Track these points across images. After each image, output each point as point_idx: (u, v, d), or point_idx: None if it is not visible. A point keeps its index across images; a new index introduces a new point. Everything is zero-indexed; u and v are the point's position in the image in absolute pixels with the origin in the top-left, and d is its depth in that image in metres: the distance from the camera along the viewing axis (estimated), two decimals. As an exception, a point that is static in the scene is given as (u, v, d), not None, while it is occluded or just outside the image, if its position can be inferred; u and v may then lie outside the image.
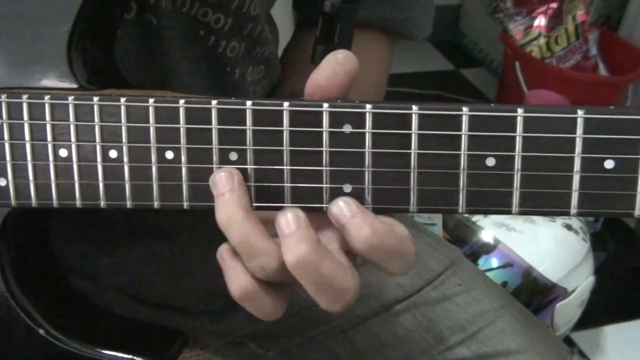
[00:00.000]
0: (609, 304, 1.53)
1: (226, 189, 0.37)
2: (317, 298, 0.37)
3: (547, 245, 1.23)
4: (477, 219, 1.25)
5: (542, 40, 1.94)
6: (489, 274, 1.22)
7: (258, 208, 0.39)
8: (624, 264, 1.65)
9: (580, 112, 0.35)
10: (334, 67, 0.36)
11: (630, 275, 1.63)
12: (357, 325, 0.65)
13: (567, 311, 1.26)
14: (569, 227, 1.26)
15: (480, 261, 1.23)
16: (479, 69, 2.45)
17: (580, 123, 0.35)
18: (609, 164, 0.35)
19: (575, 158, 0.36)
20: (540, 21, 1.95)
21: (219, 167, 0.38)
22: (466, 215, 1.25)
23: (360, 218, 0.36)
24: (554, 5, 1.94)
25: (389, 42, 0.65)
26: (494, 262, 1.22)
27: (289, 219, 0.36)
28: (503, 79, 2.10)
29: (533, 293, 1.22)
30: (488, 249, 1.23)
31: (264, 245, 0.36)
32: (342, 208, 0.36)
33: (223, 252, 0.38)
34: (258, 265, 0.37)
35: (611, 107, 0.35)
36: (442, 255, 0.68)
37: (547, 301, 1.23)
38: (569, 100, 1.78)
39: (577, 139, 0.35)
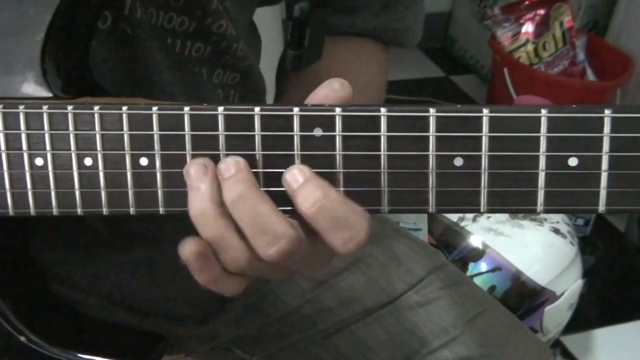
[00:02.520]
0: (599, 307, 1.54)
1: (199, 183, 0.38)
2: (252, 240, 0.38)
3: (535, 249, 1.24)
4: (466, 224, 1.25)
5: (530, 47, 1.96)
6: (477, 278, 1.23)
7: None
8: (614, 267, 1.66)
9: (543, 112, 0.36)
10: (327, 92, 0.38)
11: (619, 279, 1.63)
12: (342, 330, 0.65)
13: (556, 314, 1.26)
14: (556, 231, 1.26)
15: (470, 266, 1.23)
16: (469, 75, 2.47)
17: (543, 122, 0.36)
18: (572, 162, 0.36)
19: (540, 156, 0.36)
20: (528, 28, 1.96)
21: (194, 157, 0.38)
22: (455, 220, 1.26)
23: (313, 183, 0.37)
24: (542, 12, 1.96)
25: (384, 49, 0.67)
26: (483, 266, 1.23)
27: (229, 164, 0.37)
28: (492, 85, 2.11)
29: (522, 297, 1.22)
30: (477, 254, 1.23)
31: (236, 241, 0.38)
32: (295, 174, 0.37)
33: (189, 255, 0.39)
34: (231, 257, 0.38)
35: (574, 105, 0.36)
36: (425, 260, 0.68)
37: (536, 304, 1.23)
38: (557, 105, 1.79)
39: (542, 138, 0.36)
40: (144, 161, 0.40)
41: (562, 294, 1.25)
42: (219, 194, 0.38)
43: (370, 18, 0.62)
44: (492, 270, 1.22)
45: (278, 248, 0.37)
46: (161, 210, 0.41)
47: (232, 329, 0.64)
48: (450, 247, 1.24)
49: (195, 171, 0.38)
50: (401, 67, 2.37)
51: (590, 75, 1.98)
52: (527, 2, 1.97)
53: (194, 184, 0.38)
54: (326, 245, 0.38)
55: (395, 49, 0.67)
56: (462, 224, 1.25)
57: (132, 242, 0.56)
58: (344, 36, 0.61)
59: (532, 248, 1.23)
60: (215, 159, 0.39)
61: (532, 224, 1.25)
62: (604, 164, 0.36)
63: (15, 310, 0.45)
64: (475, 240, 1.24)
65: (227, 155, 0.39)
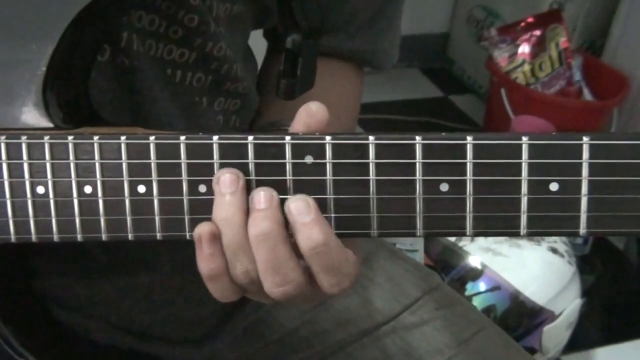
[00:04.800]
0: (599, 326, 1.54)
1: (229, 191, 0.39)
2: (262, 275, 0.40)
3: (533, 269, 1.24)
4: (464, 243, 1.26)
5: (526, 67, 1.98)
6: (477, 297, 1.23)
7: None
8: (613, 286, 1.66)
9: (524, 138, 0.37)
10: (306, 120, 0.40)
11: (619, 298, 1.64)
12: (338, 352, 0.66)
13: (555, 334, 1.27)
14: (554, 250, 1.27)
15: (468, 286, 1.24)
16: (467, 95, 2.48)
17: (525, 148, 0.37)
18: (553, 187, 0.37)
19: (522, 182, 0.38)
20: (524, 48, 1.98)
21: (224, 168, 0.40)
22: (453, 240, 1.27)
23: (318, 226, 0.38)
24: (537, 33, 1.98)
25: (360, 71, 0.68)
26: (482, 286, 1.24)
27: (261, 197, 0.39)
28: (490, 105, 2.13)
29: (521, 316, 1.23)
30: (475, 273, 1.24)
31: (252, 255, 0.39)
32: (301, 209, 0.39)
33: (203, 233, 0.40)
34: (243, 267, 0.40)
35: (554, 133, 0.37)
36: (420, 281, 0.69)
37: (535, 324, 1.24)
38: (554, 125, 1.81)
39: (523, 164, 0.38)
40: (141, 189, 0.41)
41: (560, 313, 1.26)
42: (247, 205, 0.39)
43: (345, 40, 0.63)
44: (491, 290, 1.23)
45: (284, 290, 0.40)
46: (158, 235, 0.42)
47: (230, 351, 0.65)
48: (449, 267, 1.25)
49: (226, 179, 0.39)
50: (400, 88, 2.39)
51: (587, 95, 2.00)
52: (523, 24, 1.99)
53: (222, 190, 0.39)
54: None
55: (394, 70, 0.69)
56: (460, 243, 1.26)
57: (131, 266, 0.57)
58: (319, 57, 0.62)
59: (530, 267, 1.24)
60: (211, 186, 0.40)
61: (530, 243, 1.26)
62: (584, 189, 0.37)
63: (17, 334, 0.46)
64: (473, 260, 1.25)
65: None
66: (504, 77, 1.95)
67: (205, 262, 0.40)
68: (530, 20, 1.99)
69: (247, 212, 0.39)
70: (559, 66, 1.98)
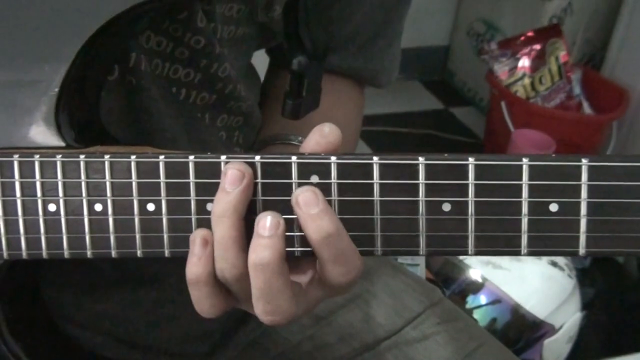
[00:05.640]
0: (599, 339, 1.54)
1: (230, 188, 0.39)
2: (254, 301, 0.40)
3: (533, 282, 1.25)
4: (465, 257, 1.27)
5: (526, 81, 1.99)
6: (478, 310, 1.24)
7: None
8: (613, 299, 1.67)
9: (525, 160, 0.38)
10: (319, 140, 0.40)
11: (619, 311, 1.64)
12: (340, 366, 0.67)
13: (555, 347, 1.27)
14: (554, 264, 1.28)
15: (469, 299, 1.25)
16: (468, 107, 2.50)
17: (525, 170, 0.38)
18: (553, 208, 0.38)
19: (523, 202, 0.39)
20: (524, 62, 2.00)
21: (230, 162, 0.40)
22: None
23: (328, 216, 0.39)
24: (537, 47, 2.00)
25: (360, 88, 0.69)
26: (483, 299, 1.25)
27: (267, 223, 0.39)
28: (490, 118, 2.14)
29: (522, 329, 1.24)
30: (476, 286, 1.25)
31: (240, 255, 0.39)
32: (309, 200, 0.39)
33: (197, 237, 0.40)
34: (229, 265, 0.40)
35: (553, 154, 0.38)
36: (422, 296, 0.70)
37: (535, 337, 1.24)
38: (554, 138, 1.82)
39: (524, 185, 0.38)
40: (150, 207, 0.42)
41: (561, 327, 1.26)
42: (245, 206, 0.39)
43: (346, 58, 0.64)
44: (492, 303, 1.24)
45: (273, 319, 0.40)
46: (166, 252, 0.43)
47: (233, 364, 0.66)
48: (450, 280, 1.26)
49: (232, 174, 0.39)
50: (401, 100, 2.40)
51: (587, 109, 2.01)
52: (523, 38, 2.01)
53: (225, 185, 0.39)
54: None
55: (395, 82, 0.70)
56: (461, 257, 1.27)
57: (138, 282, 0.58)
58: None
59: (531, 281, 1.25)
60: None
61: (530, 257, 1.27)
62: (583, 210, 0.38)
63: (26, 349, 0.47)
64: (474, 273, 1.26)
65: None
66: (504, 91, 1.97)
67: (191, 265, 0.40)
68: (530, 34, 2.01)
69: (241, 215, 0.39)
70: (558, 80, 2.00)
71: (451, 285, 1.25)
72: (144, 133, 0.53)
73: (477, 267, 1.26)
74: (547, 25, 2.08)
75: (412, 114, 2.43)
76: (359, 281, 0.43)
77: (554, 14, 2.11)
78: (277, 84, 0.67)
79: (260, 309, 0.40)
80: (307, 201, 0.39)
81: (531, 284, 1.25)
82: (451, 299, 1.20)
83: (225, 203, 0.39)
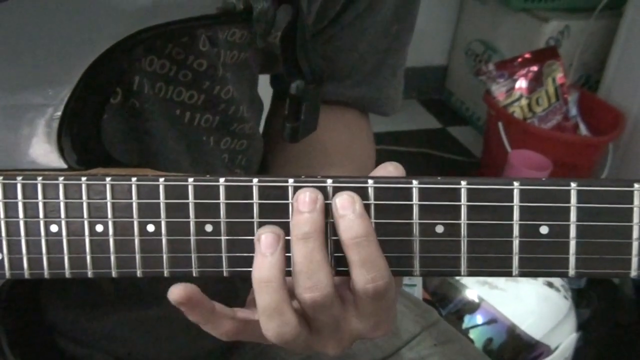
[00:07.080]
0: (595, 360, 1.55)
1: (269, 251, 0.40)
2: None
3: (529, 303, 1.26)
4: (461, 277, 1.28)
5: (523, 102, 2.01)
6: (474, 330, 1.24)
7: (231, 273, 0.43)
8: (609, 320, 1.67)
9: (516, 184, 0.39)
10: (382, 174, 0.42)
11: (614, 331, 1.64)
12: (337, 385, 0.67)
13: (552, 368, 1.28)
14: (550, 284, 1.29)
15: (465, 319, 1.25)
16: (465, 127, 2.51)
17: (516, 193, 0.39)
18: (544, 230, 0.39)
19: (514, 225, 0.40)
20: (522, 83, 2.02)
21: (263, 226, 0.41)
22: (450, 274, 1.28)
23: (360, 219, 0.40)
24: (534, 68, 2.02)
25: (365, 117, 0.70)
26: (479, 319, 1.25)
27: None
28: (487, 138, 2.15)
29: (518, 350, 1.24)
30: (472, 307, 1.25)
31: (291, 315, 0.41)
32: (346, 204, 0.40)
33: (177, 298, 0.41)
34: (279, 328, 0.41)
35: (543, 179, 0.39)
36: (418, 317, 0.71)
37: (531, 358, 1.25)
38: (551, 159, 1.83)
39: (515, 207, 0.39)
40: (150, 228, 0.43)
41: (556, 348, 1.27)
42: (285, 264, 0.41)
43: (352, 87, 0.65)
44: (488, 323, 1.24)
45: (313, 295, 0.40)
46: (166, 272, 0.44)
47: (231, 383, 0.66)
48: (446, 300, 1.26)
49: (267, 238, 0.40)
50: (399, 119, 2.42)
51: (583, 130, 2.03)
52: (520, 59, 2.03)
53: (263, 250, 0.40)
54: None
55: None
56: (457, 277, 1.28)
57: (138, 300, 0.59)
58: (326, 103, 0.64)
59: (526, 301, 1.26)
60: (217, 226, 0.42)
61: (526, 277, 1.27)
62: (572, 232, 0.39)
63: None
64: (470, 294, 1.27)
65: (227, 222, 0.42)
66: (501, 111, 1.98)
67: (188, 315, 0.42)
68: (527, 55, 2.03)
69: (284, 274, 0.40)
70: (555, 101, 2.01)
71: (448, 305, 1.26)
72: (146, 155, 0.53)
73: (473, 287, 1.27)
74: (545, 47, 2.10)
75: (410, 132, 2.44)
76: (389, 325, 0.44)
77: (551, 35, 2.14)
78: (279, 116, 0.68)
79: (301, 287, 0.40)
80: (343, 204, 0.40)
81: (527, 304, 1.26)
82: (448, 318, 1.21)
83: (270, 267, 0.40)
